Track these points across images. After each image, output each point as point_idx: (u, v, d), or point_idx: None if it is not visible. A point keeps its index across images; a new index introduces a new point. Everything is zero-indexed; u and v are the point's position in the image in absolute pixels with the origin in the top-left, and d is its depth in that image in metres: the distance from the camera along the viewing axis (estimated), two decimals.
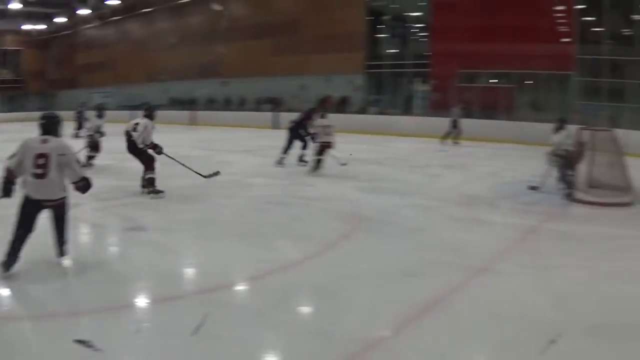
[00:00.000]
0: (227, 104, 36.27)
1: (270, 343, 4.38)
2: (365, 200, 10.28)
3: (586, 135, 10.79)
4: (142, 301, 5.17)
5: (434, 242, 7.29)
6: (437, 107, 27.67)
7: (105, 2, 42.15)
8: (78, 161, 5.84)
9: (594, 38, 25.22)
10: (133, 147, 10.22)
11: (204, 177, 10.98)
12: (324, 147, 13.20)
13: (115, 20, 45.14)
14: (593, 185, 10.85)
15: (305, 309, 5.29)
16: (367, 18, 31.49)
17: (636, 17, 24.14)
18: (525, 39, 24.59)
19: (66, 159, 5.56)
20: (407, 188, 11.71)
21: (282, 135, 13.24)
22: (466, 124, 23.20)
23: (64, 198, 5.65)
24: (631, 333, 4.50)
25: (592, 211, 9.68)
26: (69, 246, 5.79)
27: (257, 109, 33.55)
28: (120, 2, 41.97)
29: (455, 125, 21.91)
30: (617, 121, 19.75)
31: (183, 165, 10.87)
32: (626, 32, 24.93)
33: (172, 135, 26.27)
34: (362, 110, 29.63)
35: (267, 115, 30.70)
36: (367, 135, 23.41)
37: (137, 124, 10.21)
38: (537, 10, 25.24)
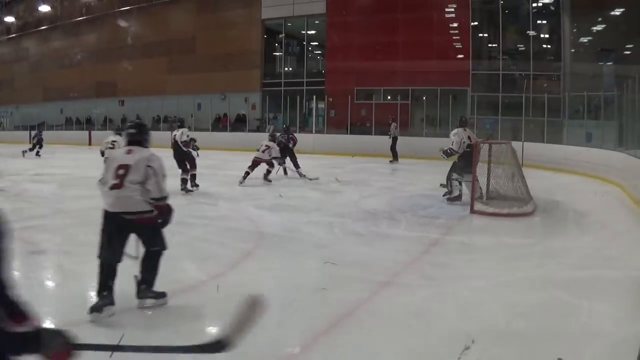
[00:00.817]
0: (123, 123, 35.41)
1: None
2: (266, 218, 10.35)
3: (484, 148, 11.14)
4: (52, 326, 4.90)
5: (338, 258, 7.29)
6: (334, 125, 28.08)
7: (4, 19, 40.63)
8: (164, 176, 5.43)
9: (489, 54, 26.20)
10: (180, 153, 12.93)
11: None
12: (253, 162, 15.02)
13: (11, 38, 43.35)
14: (492, 196, 11.22)
15: (214, 330, 5.21)
16: (263, 36, 31.66)
17: (531, 32, 25.25)
18: (420, 56, 25.37)
19: (152, 170, 5.20)
20: (307, 205, 11.89)
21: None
22: (363, 140, 23.64)
23: (150, 212, 5.25)
24: (537, 338, 4.68)
25: (492, 222, 10.11)
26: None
27: (154, 128, 32.98)
28: (15, 20, 40.56)
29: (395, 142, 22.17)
30: (514, 134, 20.59)
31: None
32: (521, 47, 26.02)
33: (69, 156, 25.61)
34: (258, 128, 29.62)
35: (166, 135, 30.20)
36: None
37: (175, 134, 13.06)
38: (432, 28, 26.10)
